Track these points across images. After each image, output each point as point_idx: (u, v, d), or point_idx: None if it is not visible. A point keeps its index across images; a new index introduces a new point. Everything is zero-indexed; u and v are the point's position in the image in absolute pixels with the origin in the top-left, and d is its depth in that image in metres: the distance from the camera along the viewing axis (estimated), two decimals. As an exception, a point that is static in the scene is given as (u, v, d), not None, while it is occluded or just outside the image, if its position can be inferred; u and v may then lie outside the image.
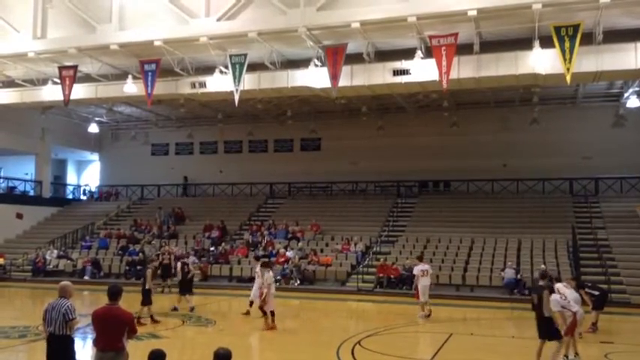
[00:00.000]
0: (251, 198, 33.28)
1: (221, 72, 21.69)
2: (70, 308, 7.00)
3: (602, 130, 27.61)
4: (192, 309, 16.98)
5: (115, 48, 21.52)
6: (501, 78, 19.58)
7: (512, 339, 13.94)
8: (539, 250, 23.12)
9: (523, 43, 18.49)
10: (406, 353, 11.65)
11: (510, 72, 18.97)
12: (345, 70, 19.80)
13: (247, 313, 16.38)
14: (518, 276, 21.37)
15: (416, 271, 17.07)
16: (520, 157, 28.54)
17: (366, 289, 22.41)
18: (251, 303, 16.22)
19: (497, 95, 26.99)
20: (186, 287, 17.46)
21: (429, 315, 16.61)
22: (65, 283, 7.43)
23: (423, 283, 16.63)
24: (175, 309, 17.05)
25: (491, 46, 19.19)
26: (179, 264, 18.58)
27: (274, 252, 25.63)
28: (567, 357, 10.76)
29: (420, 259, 17.99)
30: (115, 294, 6.92)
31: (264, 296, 14.27)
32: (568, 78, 17.01)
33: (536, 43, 17.69)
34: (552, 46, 17.07)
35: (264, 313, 14.40)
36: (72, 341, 7.11)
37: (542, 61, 17.97)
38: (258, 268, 15.78)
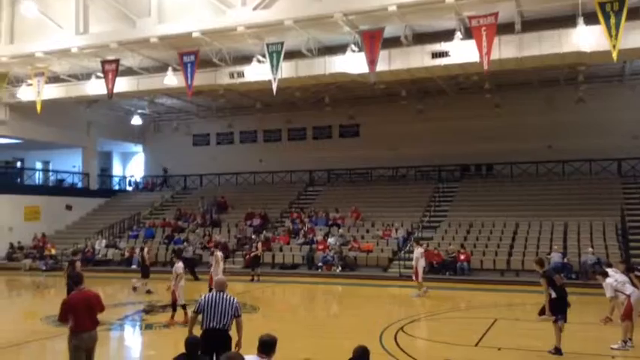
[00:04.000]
0: (291, 186, 33.46)
1: (258, 61, 21.81)
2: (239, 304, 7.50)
3: (652, 107, 26.58)
4: (139, 289, 19.08)
5: (154, 41, 21.89)
6: (545, 57, 19.06)
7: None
8: (586, 233, 22.53)
9: (566, 21, 17.94)
10: (450, 339, 11.57)
11: (554, 51, 18.44)
12: (383, 54, 19.60)
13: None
14: (565, 260, 20.89)
15: (417, 253, 18.11)
16: (566, 137, 27.75)
17: (408, 275, 22.25)
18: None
19: (541, 75, 26.25)
20: (145, 272, 19.51)
21: (426, 291, 17.81)
22: (222, 277, 8.04)
23: (423, 264, 18.24)
24: (135, 289, 19.22)
25: (534, 24, 18.68)
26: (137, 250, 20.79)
27: (315, 239, 25.76)
28: (626, 342, 10.48)
29: (418, 242, 19.41)
30: (81, 279, 7.75)
31: (172, 289, 13.40)
32: (614, 55, 16.43)
33: (580, 20, 17.14)
34: (597, 22, 16.50)
35: (174, 308, 13.40)
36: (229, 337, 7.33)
37: (586, 38, 17.41)
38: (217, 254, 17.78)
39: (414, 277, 18.30)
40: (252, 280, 22.09)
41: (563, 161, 28.06)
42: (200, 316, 7.37)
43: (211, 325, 7.15)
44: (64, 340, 7.54)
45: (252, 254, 23.46)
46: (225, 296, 7.35)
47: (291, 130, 34.56)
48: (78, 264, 14.79)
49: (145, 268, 19.73)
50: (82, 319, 7.28)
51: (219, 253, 17.90)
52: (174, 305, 13.41)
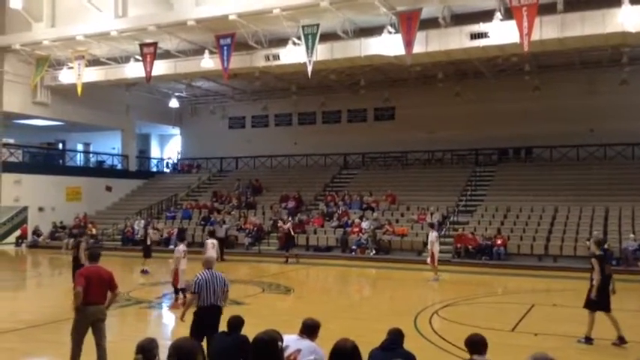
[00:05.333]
0: (325, 169, 33.48)
1: (294, 43, 21.76)
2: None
3: (700, 90, 25.56)
4: (146, 271, 18.89)
5: (191, 24, 22.06)
6: (587, 38, 18.51)
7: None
8: (628, 218, 21.98)
9: (610, 1, 17.34)
10: (486, 323, 11.45)
11: (597, 31, 17.89)
12: (420, 35, 19.33)
13: None
14: (606, 246, 20.39)
15: (432, 237, 17.80)
16: (608, 121, 26.91)
17: (443, 260, 22.11)
18: None
19: (583, 56, 25.49)
20: (147, 252, 19.75)
21: (437, 278, 17.55)
22: (211, 256, 8.43)
23: (437, 249, 17.90)
24: (144, 271, 18.95)
25: (576, 4, 18.15)
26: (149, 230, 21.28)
27: (349, 222, 25.78)
28: None
29: (432, 226, 19.32)
30: (97, 256, 7.95)
31: (174, 273, 13.48)
32: (662, 35, 15.85)
33: (626, 0, 16.54)
34: (644, 1, 15.92)
35: (177, 290, 13.48)
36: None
37: (632, 18, 16.84)
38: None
39: (428, 261, 18.13)
40: (287, 261, 22.27)
41: (605, 145, 27.31)
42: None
43: (210, 302, 7.60)
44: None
45: (284, 232, 23.55)
46: (215, 273, 7.83)
47: (325, 113, 34.47)
48: (83, 245, 14.46)
49: (146, 247, 19.77)
50: (93, 290, 7.43)
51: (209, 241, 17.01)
52: (175, 288, 13.53)
